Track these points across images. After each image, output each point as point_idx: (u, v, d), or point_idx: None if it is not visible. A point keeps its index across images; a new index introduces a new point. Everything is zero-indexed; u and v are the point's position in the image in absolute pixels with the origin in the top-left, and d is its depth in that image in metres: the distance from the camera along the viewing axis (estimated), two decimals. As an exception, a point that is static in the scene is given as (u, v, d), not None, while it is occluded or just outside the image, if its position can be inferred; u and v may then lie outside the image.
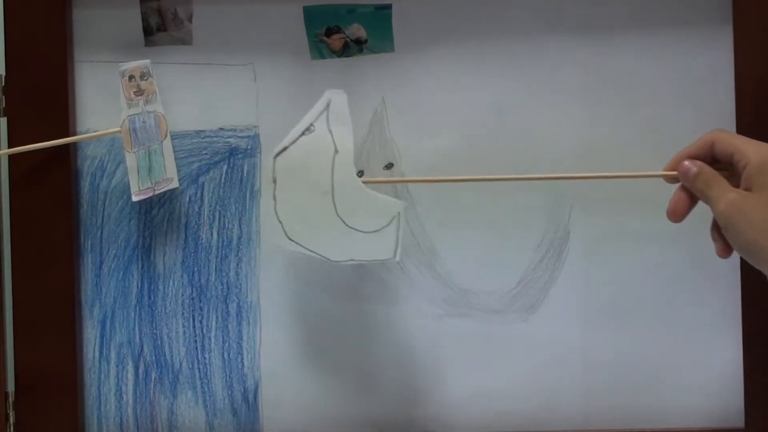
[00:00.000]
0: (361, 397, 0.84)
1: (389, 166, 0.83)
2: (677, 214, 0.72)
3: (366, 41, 0.82)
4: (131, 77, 0.80)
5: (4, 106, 0.81)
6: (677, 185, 0.73)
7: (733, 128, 0.81)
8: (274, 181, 0.75)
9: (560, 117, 0.82)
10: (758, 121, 0.80)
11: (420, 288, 0.83)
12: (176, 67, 0.83)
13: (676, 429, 0.83)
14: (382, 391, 0.84)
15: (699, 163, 0.70)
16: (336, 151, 0.75)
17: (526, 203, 0.82)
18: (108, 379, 0.84)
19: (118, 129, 0.80)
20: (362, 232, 0.75)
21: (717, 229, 0.70)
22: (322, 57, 0.83)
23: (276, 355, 0.84)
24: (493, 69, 0.82)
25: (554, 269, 0.83)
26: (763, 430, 0.81)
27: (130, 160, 0.80)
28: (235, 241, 0.83)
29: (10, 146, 0.81)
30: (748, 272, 0.80)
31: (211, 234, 0.83)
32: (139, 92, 0.80)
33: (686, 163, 0.71)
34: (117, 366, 0.84)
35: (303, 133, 0.75)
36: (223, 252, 0.83)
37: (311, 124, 0.75)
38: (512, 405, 0.84)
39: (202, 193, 0.83)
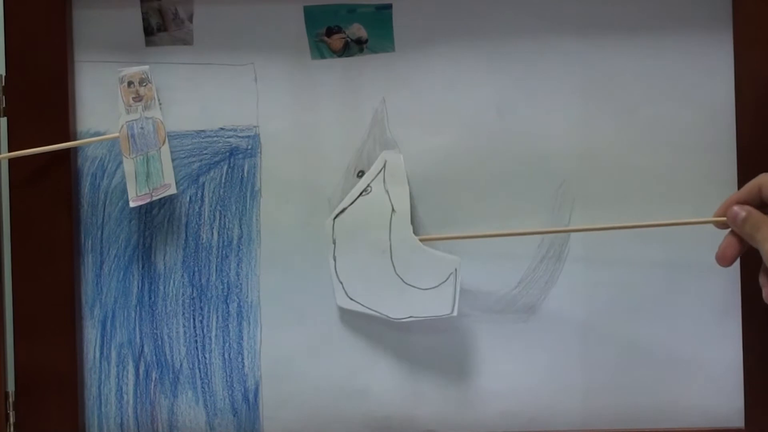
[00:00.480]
0: (361, 397, 0.84)
1: (390, 166, 0.83)
2: (726, 259, 0.73)
3: (366, 41, 0.82)
4: (130, 83, 0.79)
5: (4, 106, 0.81)
6: (727, 229, 0.74)
7: (733, 128, 0.81)
8: (334, 242, 0.79)
9: (560, 117, 0.82)
10: (758, 121, 0.80)
11: (420, 288, 0.83)
12: (176, 67, 0.83)
13: (676, 429, 0.83)
14: (383, 391, 0.84)
15: (747, 207, 0.71)
16: (393, 210, 0.77)
17: (527, 203, 0.82)
18: (108, 379, 0.84)
19: (117, 134, 0.80)
20: (420, 289, 0.77)
21: (766, 273, 0.71)
22: (323, 57, 0.83)
23: (276, 355, 0.84)
24: (493, 69, 0.82)
25: (554, 269, 0.83)
26: (763, 430, 0.81)
27: (128, 165, 0.79)
28: (235, 241, 0.83)
29: (10, 146, 0.81)
30: (748, 272, 0.80)
31: (212, 234, 0.83)
32: (138, 98, 0.80)
33: (735, 208, 0.72)
34: (117, 366, 0.84)
35: (360, 194, 0.78)
36: (224, 252, 0.83)
37: (368, 185, 0.78)
38: (512, 405, 0.84)
39: (202, 193, 0.83)
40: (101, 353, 0.84)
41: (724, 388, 0.83)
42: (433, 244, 0.79)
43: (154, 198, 0.80)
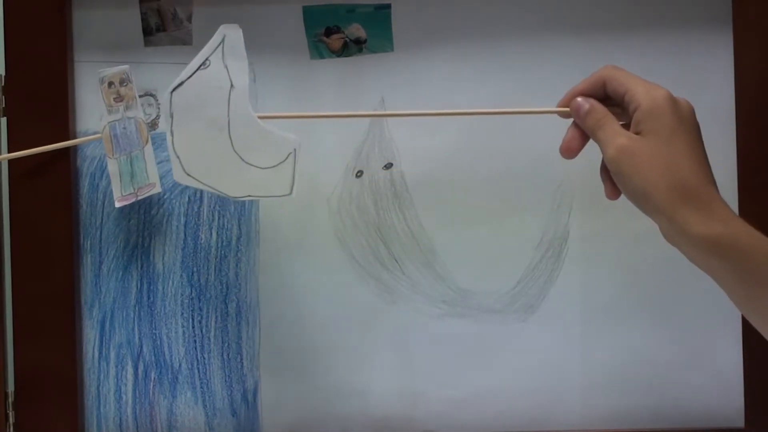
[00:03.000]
0: (360, 397, 0.84)
1: (388, 165, 0.83)
2: (571, 151, 0.70)
3: (365, 41, 0.82)
4: (111, 83, 0.79)
5: (4, 106, 0.81)
6: (570, 121, 0.71)
7: (733, 128, 0.81)
8: (171, 116, 0.74)
9: (560, 117, 0.82)
10: (758, 121, 0.80)
11: (420, 288, 0.83)
12: (176, 67, 0.83)
13: (676, 429, 0.83)
14: (382, 391, 0.84)
15: (591, 101, 0.68)
16: (232, 86, 0.74)
17: (526, 203, 0.82)
18: (108, 379, 0.84)
19: (99, 135, 0.79)
20: (259, 167, 0.74)
21: (606, 171, 0.67)
22: (322, 57, 0.83)
23: (276, 355, 0.84)
24: (492, 69, 0.82)
25: (553, 269, 0.83)
26: (763, 430, 0.81)
27: (112, 166, 0.79)
28: (234, 241, 0.83)
29: (10, 146, 0.81)
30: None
31: (211, 234, 0.83)
32: (119, 98, 0.79)
33: (579, 99, 0.69)
34: (116, 366, 0.84)
35: (199, 68, 0.74)
36: (223, 252, 0.83)
37: (207, 59, 0.74)
38: (512, 405, 0.84)
39: (201, 193, 0.83)
40: (100, 353, 0.84)
41: (724, 388, 0.83)
42: (275, 122, 0.76)
43: (139, 197, 0.79)
